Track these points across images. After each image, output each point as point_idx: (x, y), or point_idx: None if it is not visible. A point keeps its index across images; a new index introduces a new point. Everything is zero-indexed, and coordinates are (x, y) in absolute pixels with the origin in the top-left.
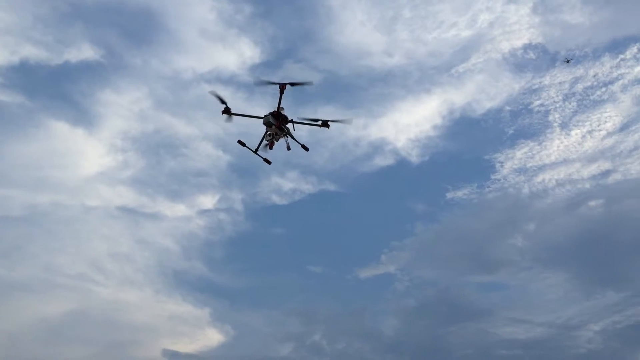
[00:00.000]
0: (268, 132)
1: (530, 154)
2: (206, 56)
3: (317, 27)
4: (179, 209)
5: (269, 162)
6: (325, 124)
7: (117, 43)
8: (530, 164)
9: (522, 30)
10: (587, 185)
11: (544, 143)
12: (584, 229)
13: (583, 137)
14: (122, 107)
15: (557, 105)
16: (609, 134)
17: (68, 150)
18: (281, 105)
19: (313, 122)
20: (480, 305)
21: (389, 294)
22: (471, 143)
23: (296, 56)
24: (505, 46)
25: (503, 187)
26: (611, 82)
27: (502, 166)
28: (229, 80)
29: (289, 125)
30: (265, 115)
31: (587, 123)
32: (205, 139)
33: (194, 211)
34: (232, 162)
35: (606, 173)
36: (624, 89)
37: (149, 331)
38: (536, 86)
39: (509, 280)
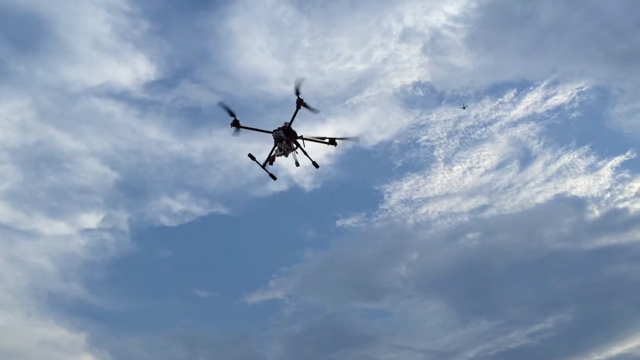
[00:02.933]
0: (278, 147)
1: (416, 186)
2: (98, 69)
3: (216, 49)
4: (59, 227)
5: (274, 178)
6: (332, 141)
7: None
8: (416, 196)
9: (412, 68)
10: (466, 219)
11: (428, 177)
12: (462, 260)
13: (464, 173)
14: (1, 117)
15: (442, 141)
16: (487, 172)
17: None
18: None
19: (321, 139)
20: (364, 332)
21: (276, 319)
22: (362, 173)
23: (193, 76)
24: (397, 82)
25: (390, 217)
26: (490, 123)
27: (389, 197)
28: (121, 96)
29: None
30: (276, 130)
31: (468, 160)
32: (92, 154)
33: (74, 230)
34: (120, 180)
35: (483, 207)
36: (501, 130)
37: (17, 357)
38: (423, 122)
39: (392, 307)
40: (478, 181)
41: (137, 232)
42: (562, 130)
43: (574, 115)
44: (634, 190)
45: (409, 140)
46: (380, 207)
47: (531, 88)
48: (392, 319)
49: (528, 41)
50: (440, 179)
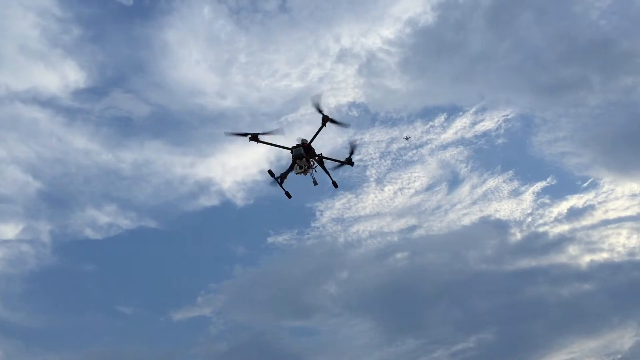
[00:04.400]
0: (298, 165)
1: (348, 205)
2: (24, 74)
3: (151, 59)
4: None
5: (289, 196)
6: (349, 161)
7: None
8: (347, 215)
9: (348, 88)
10: (395, 238)
11: (360, 196)
12: (390, 279)
13: (395, 193)
14: None
15: (374, 161)
16: (417, 193)
17: None
18: None
19: (337, 159)
20: (292, 350)
21: (202, 337)
22: (295, 190)
23: (126, 86)
24: (333, 102)
25: (321, 234)
26: (421, 146)
27: (322, 215)
28: (48, 103)
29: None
30: (296, 147)
31: (399, 181)
32: (13, 162)
33: None
34: (42, 190)
35: (412, 228)
36: (432, 152)
37: None
38: (357, 142)
39: (320, 325)
40: (408, 202)
41: (59, 244)
42: (489, 155)
43: (499, 141)
44: (554, 215)
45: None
46: (312, 224)
47: (460, 113)
48: (320, 337)
49: (458, 68)
50: (372, 199)
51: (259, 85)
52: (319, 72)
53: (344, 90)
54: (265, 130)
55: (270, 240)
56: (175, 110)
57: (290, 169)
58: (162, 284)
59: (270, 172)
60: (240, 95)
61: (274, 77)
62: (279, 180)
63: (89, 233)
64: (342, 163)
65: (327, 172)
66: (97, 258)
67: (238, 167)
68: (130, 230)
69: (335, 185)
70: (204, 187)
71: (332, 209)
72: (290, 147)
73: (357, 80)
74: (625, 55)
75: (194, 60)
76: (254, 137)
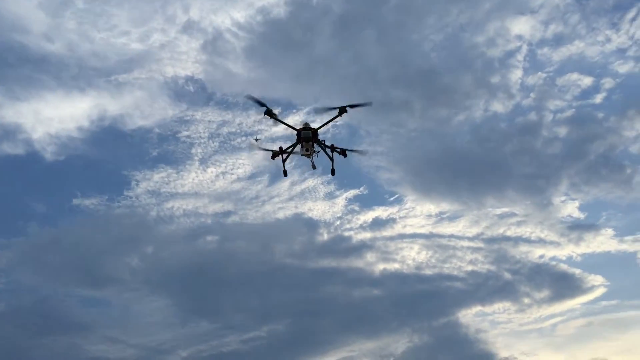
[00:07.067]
0: (305, 147)
1: (167, 179)
2: None
3: None
4: None
5: (285, 175)
6: (343, 152)
7: None
8: (164, 189)
9: (188, 62)
10: (209, 221)
11: (181, 173)
12: (196, 261)
13: (217, 176)
14: None
15: (202, 141)
16: (239, 179)
17: None
18: None
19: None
20: (79, 320)
21: None
22: (113, 155)
23: None
24: (170, 72)
25: (133, 205)
26: (251, 134)
27: (137, 185)
28: None
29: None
30: (305, 130)
31: (224, 165)
32: None
33: None
34: None
35: (227, 213)
36: (260, 143)
37: None
38: (188, 118)
39: (114, 298)
40: (228, 187)
41: None
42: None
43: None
44: (360, 222)
45: (169, 133)
46: (125, 193)
47: (294, 111)
48: (111, 310)
49: (300, 67)
50: (193, 177)
51: (93, 36)
52: (162, 38)
53: (184, 63)
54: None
55: (75, 202)
56: None
57: (293, 148)
58: None
59: (280, 148)
60: (70, 43)
61: (112, 32)
62: (283, 157)
63: None
64: (338, 152)
65: (331, 159)
66: None
67: (54, 118)
68: None
69: (333, 172)
70: (9, 132)
71: (149, 181)
72: (298, 128)
73: (199, 55)
74: (445, 89)
75: None
76: (269, 112)
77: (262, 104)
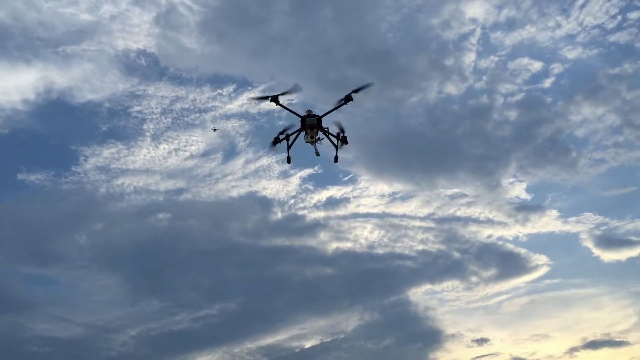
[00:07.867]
0: (309, 135)
1: (117, 155)
2: None
3: None
4: None
5: (289, 162)
6: (344, 139)
7: None
8: (114, 166)
9: (140, 34)
10: (161, 198)
11: (132, 149)
12: (147, 238)
13: (169, 153)
14: None
15: (154, 117)
16: (192, 157)
17: None
18: None
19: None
20: (23, 298)
21: None
22: (61, 129)
23: None
24: (121, 44)
25: (81, 181)
26: (205, 111)
27: (86, 160)
28: None
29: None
30: (311, 117)
31: (176, 141)
32: None
33: None
34: None
35: (180, 191)
36: (214, 120)
37: None
38: (140, 93)
39: (61, 276)
40: (181, 164)
41: None
42: (268, 135)
43: (281, 123)
44: (314, 201)
45: (120, 107)
46: (73, 169)
47: (249, 88)
48: (57, 288)
49: (256, 44)
50: (144, 154)
51: (40, 5)
52: (112, 10)
53: (136, 36)
54: (285, 90)
55: (20, 177)
56: None
57: (297, 135)
58: None
59: (286, 132)
60: (15, 11)
61: (60, 1)
62: (288, 142)
63: None
64: (338, 139)
65: (336, 146)
66: None
67: None
68: None
69: (336, 160)
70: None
71: (98, 157)
72: (302, 115)
73: (152, 28)
74: (401, 70)
75: None
76: (275, 99)
77: (266, 97)
